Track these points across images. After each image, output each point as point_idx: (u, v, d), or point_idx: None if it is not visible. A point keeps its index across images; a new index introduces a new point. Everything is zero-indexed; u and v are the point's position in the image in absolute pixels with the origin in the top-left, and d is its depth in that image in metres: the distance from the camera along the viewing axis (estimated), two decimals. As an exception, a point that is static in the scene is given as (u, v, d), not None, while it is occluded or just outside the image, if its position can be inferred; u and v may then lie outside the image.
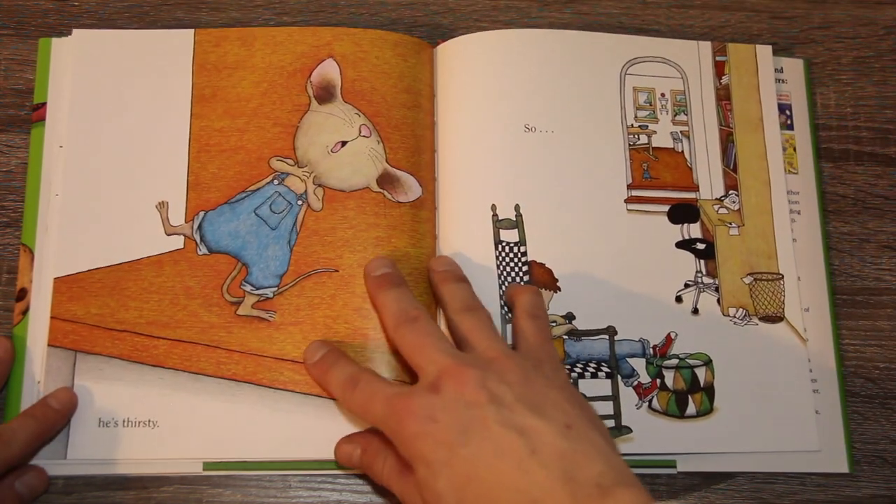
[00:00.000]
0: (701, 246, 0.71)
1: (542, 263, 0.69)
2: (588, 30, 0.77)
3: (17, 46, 0.75)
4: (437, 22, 0.77)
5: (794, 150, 0.75)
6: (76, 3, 0.76)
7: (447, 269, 0.67)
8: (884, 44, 0.79)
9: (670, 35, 0.78)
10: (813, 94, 0.77)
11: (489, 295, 0.68)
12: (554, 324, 0.67)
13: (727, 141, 0.74)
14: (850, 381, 0.71)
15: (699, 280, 0.70)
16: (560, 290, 0.68)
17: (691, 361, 0.68)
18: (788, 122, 0.75)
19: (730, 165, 0.73)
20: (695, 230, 0.72)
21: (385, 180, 0.70)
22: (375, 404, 0.58)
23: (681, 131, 0.74)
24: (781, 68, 0.77)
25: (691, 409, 0.67)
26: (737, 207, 0.72)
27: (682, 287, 0.70)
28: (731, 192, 0.73)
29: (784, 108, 0.76)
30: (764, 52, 0.76)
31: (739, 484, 0.67)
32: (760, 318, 0.70)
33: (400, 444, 0.57)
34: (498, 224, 0.69)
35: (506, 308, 0.67)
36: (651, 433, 0.66)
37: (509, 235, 0.69)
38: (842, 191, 0.75)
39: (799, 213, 0.73)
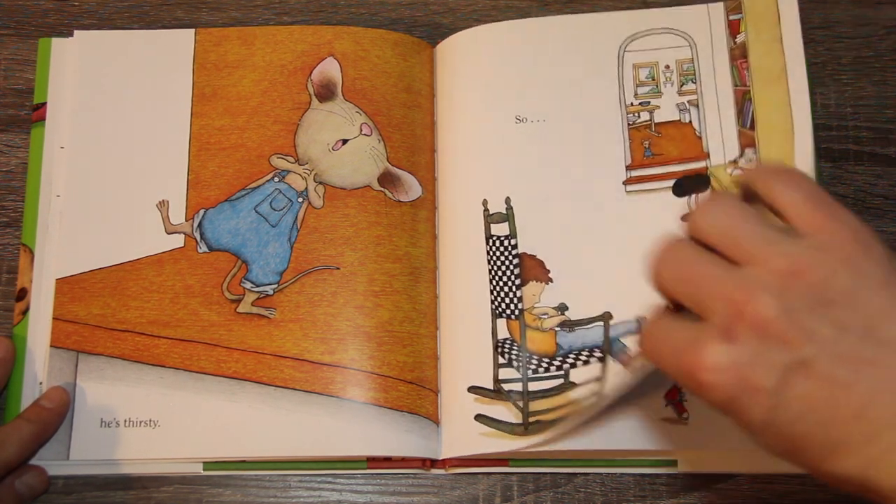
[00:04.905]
0: None
1: (533, 255, 0.68)
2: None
3: (17, 46, 0.75)
4: (437, 22, 0.77)
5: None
6: (76, 3, 0.76)
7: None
8: (884, 44, 0.79)
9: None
10: (813, 94, 0.77)
11: (480, 292, 0.67)
12: (545, 315, 0.67)
13: (743, 100, 0.71)
14: (850, 381, 0.70)
15: None
16: (552, 281, 0.68)
17: None
18: (787, 122, 0.75)
19: (746, 125, 0.70)
20: None
21: (386, 179, 0.70)
22: (664, 358, 0.46)
23: (688, 101, 0.72)
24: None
25: None
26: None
27: None
28: (746, 150, 0.70)
29: (783, 109, 0.75)
30: (788, 1, 0.71)
31: (739, 484, 0.67)
32: None
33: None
34: (489, 219, 0.68)
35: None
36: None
37: (500, 229, 0.68)
38: (842, 191, 0.75)
39: (797, 213, 0.73)
